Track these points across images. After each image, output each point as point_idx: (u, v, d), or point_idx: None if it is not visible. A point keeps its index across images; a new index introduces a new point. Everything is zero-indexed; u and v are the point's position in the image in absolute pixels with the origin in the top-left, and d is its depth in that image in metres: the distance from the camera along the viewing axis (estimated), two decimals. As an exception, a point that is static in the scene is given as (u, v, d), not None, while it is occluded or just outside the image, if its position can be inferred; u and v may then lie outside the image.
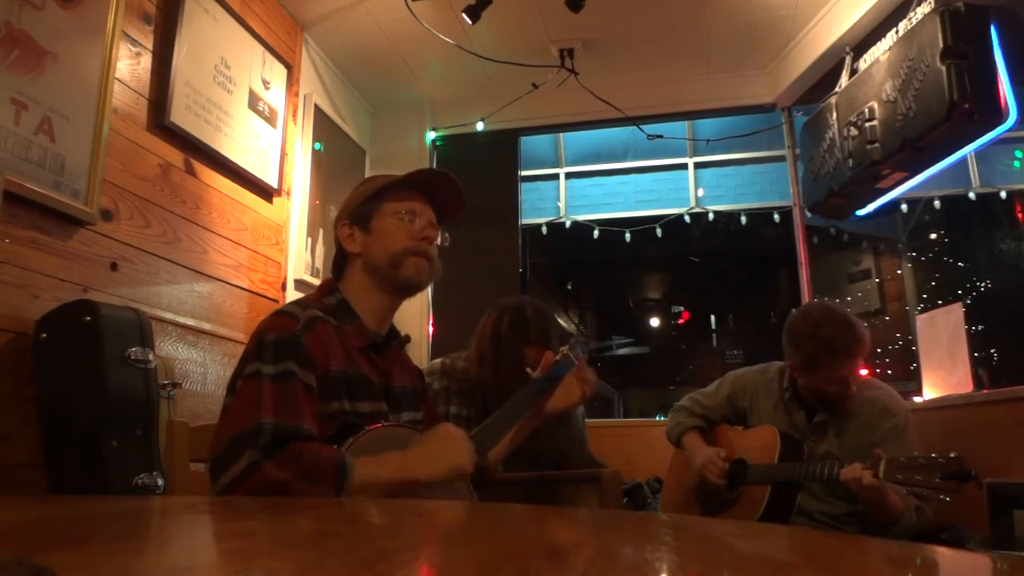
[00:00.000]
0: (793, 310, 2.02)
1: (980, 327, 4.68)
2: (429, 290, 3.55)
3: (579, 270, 9.33)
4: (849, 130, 2.76)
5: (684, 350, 11.80)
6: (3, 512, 0.81)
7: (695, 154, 4.44)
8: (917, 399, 2.68)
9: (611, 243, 4.62)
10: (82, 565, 0.43)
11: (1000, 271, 5.24)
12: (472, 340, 2.11)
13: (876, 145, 2.60)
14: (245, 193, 2.68)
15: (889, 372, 4.75)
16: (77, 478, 1.57)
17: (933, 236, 5.36)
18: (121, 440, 1.59)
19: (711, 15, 3.09)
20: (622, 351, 11.20)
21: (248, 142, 2.65)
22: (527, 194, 4.39)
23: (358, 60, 3.39)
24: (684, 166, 4.48)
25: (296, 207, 3.03)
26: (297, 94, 3.09)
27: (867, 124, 2.64)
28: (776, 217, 4.34)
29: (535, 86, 3.37)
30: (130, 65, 2.12)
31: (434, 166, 3.77)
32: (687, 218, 4.42)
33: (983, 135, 2.39)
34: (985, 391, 2.39)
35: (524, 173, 4.07)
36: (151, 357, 1.71)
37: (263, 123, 2.76)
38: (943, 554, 0.68)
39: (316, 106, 3.18)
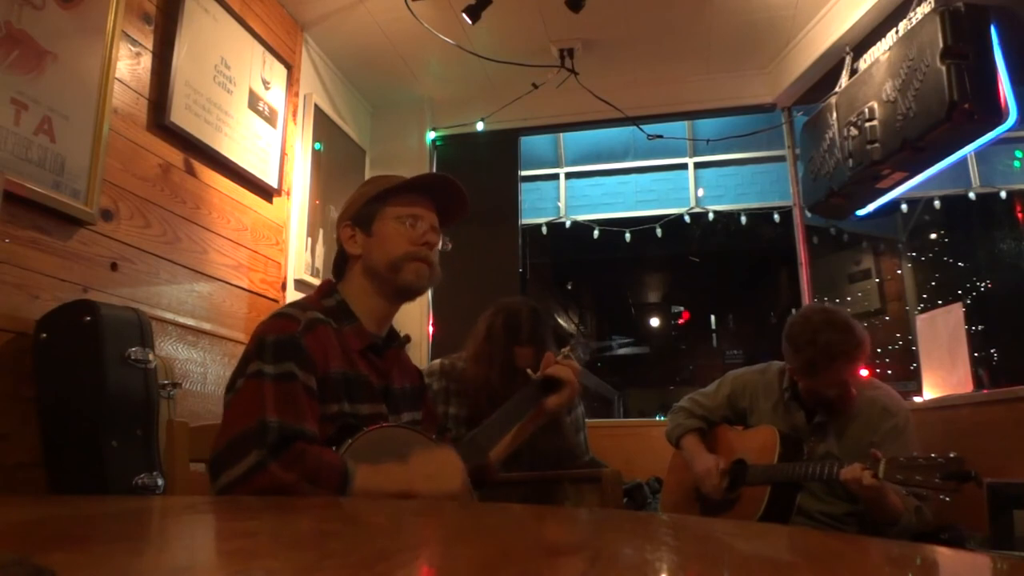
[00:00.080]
0: (793, 311, 2.02)
1: (980, 327, 4.68)
2: (429, 291, 3.55)
3: (579, 270, 9.33)
4: (849, 130, 2.76)
5: (684, 350, 11.80)
6: (3, 512, 0.81)
7: (695, 154, 4.44)
8: (917, 399, 2.68)
9: (611, 243, 4.62)
10: (82, 565, 0.43)
11: (1000, 271, 5.24)
12: (468, 340, 2.12)
13: (876, 145, 2.60)
14: (245, 193, 2.68)
15: (889, 372, 4.75)
16: (77, 478, 1.57)
17: (933, 236, 5.36)
18: (121, 440, 1.59)
19: (711, 15, 3.09)
20: (622, 351, 11.20)
21: (248, 142, 2.65)
22: (527, 194, 4.39)
23: (358, 60, 3.39)
24: (684, 166, 4.48)
25: (296, 207, 3.03)
26: (297, 94, 3.09)
27: (867, 124, 2.64)
28: (776, 217, 4.34)
29: (535, 86, 3.37)
30: (130, 65, 2.12)
31: (434, 166, 3.77)
32: (687, 218, 4.42)
33: (983, 135, 2.39)
34: (985, 391, 2.39)
35: (524, 173, 4.07)
36: (151, 357, 1.71)
37: (263, 123, 2.76)
38: (943, 554, 0.68)
39: (316, 106, 3.18)
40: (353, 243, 1.35)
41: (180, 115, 2.27)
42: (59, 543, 0.55)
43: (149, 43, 2.20)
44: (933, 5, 2.43)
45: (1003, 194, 4.30)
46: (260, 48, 2.75)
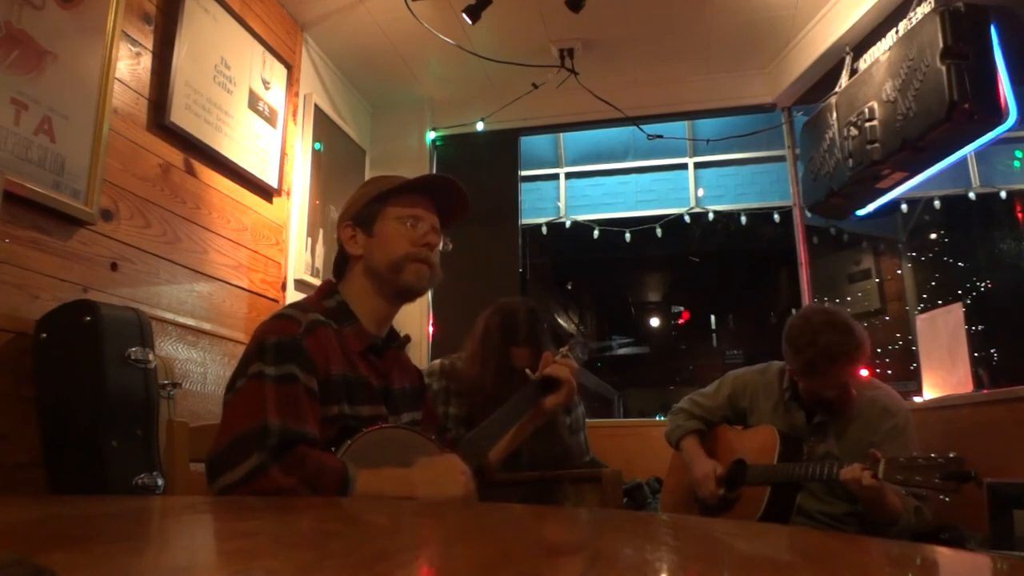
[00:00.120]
0: (793, 312, 2.02)
1: (980, 327, 4.68)
2: (429, 291, 3.55)
3: (579, 270, 9.34)
4: (849, 130, 2.76)
5: (684, 350, 11.80)
6: (3, 512, 0.81)
7: (695, 154, 4.44)
8: (917, 399, 2.68)
9: (611, 243, 4.62)
10: (82, 565, 0.43)
11: (1000, 271, 5.24)
12: (467, 340, 2.12)
13: (876, 145, 2.60)
14: (245, 193, 2.68)
15: (889, 372, 4.76)
16: (77, 478, 1.57)
17: (933, 236, 5.36)
18: (121, 440, 1.59)
19: (711, 15, 3.09)
20: (622, 351, 11.20)
21: (248, 142, 2.65)
22: (527, 194, 4.39)
23: (358, 60, 3.39)
24: (684, 166, 4.48)
25: (296, 207, 3.03)
26: (297, 94, 3.09)
27: (867, 124, 2.64)
28: (776, 217, 4.34)
29: (535, 86, 3.37)
30: (130, 65, 2.12)
31: (434, 166, 3.77)
32: (687, 218, 4.42)
33: (983, 135, 2.39)
34: (985, 391, 2.39)
35: (524, 173, 4.07)
36: (151, 357, 1.71)
37: (263, 123, 2.76)
38: (943, 554, 0.68)
39: (316, 106, 3.18)
40: (354, 243, 1.35)
41: (180, 115, 2.27)
42: (59, 543, 0.55)
43: (149, 43, 2.21)
44: (933, 5, 2.43)
45: (1003, 194, 4.30)
46: (260, 48, 2.75)
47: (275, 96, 2.85)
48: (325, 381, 1.18)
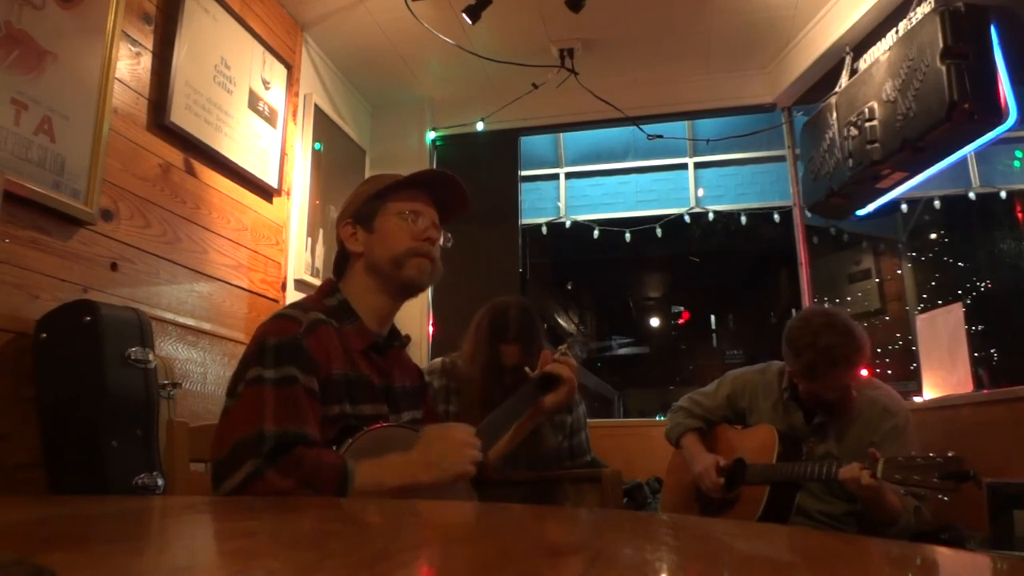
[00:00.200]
0: (793, 312, 2.02)
1: (980, 327, 4.68)
2: (429, 290, 3.55)
3: (579, 270, 9.34)
4: (849, 130, 2.76)
5: (684, 350, 11.80)
6: (3, 512, 0.81)
7: (695, 154, 4.44)
8: (917, 399, 2.68)
9: (611, 243, 4.62)
10: (82, 565, 0.43)
11: (1000, 271, 5.24)
12: (464, 338, 2.13)
13: (876, 145, 2.60)
14: (245, 193, 2.68)
15: (889, 372, 4.76)
16: (77, 478, 1.57)
17: (933, 236, 5.36)
18: (121, 440, 1.59)
19: (711, 15, 3.09)
20: (622, 351, 11.20)
21: (248, 142, 2.65)
22: (527, 194, 4.39)
23: (358, 60, 3.39)
24: (684, 166, 4.48)
25: (296, 207, 3.03)
26: (297, 94, 3.09)
27: (867, 124, 2.64)
28: (776, 217, 4.34)
29: (535, 86, 3.37)
30: (130, 65, 2.12)
31: (434, 166, 3.77)
32: (687, 218, 4.42)
33: (983, 135, 2.39)
34: (985, 391, 2.39)
35: (524, 173, 4.07)
36: (151, 357, 1.71)
37: (263, 123, 2.76)
38: (943, 554, 0.68)
39: (316, 106, 3.18)
40: (354, 241, 1.35)
41: (180, 115, 2.27)
42: (59, 543, 0.55)
43: (149, 43, 2.20)
44: (933, 5, 2.43)
45: (1003, 194, 4.30)
46: (260, 48, 2.75)
47: (275, 96, 2.85)
48: (326, 380, 1.18)
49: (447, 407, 2.10)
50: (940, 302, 4.51)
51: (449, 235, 1.43)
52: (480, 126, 3.67)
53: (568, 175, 4.63)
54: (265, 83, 2.78)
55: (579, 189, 4.67)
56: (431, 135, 3.79)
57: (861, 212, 3.06)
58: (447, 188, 1.39)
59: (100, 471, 1.55)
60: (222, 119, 2.50)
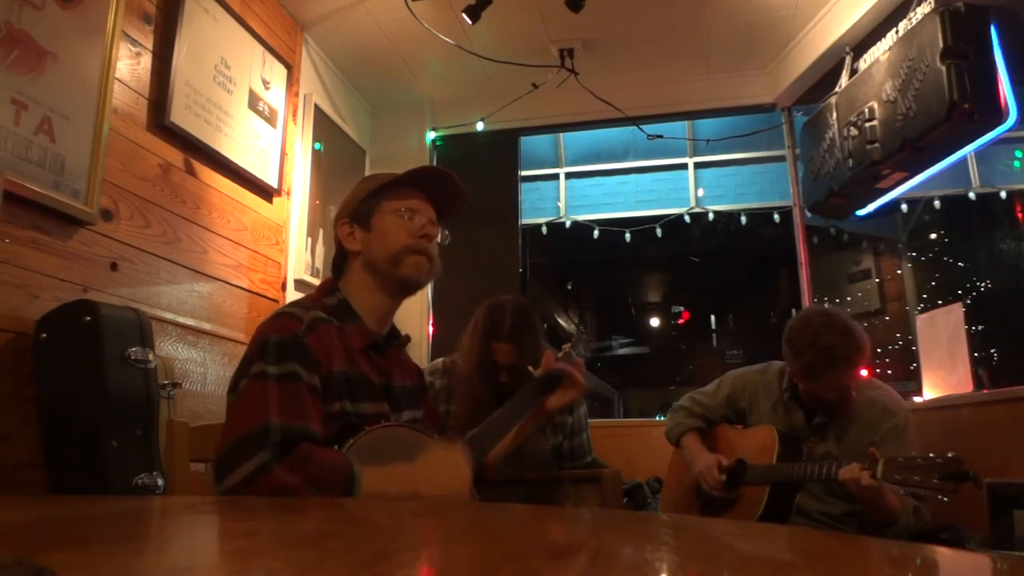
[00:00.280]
0: (793, 312, 2.02)
1: (980, 327, 4.68)
2: (429, 290, 3.55)
3: (579, 270, 9.33)
4: (849, 130, 2.76)
5: (684, 350, 11.80)
6: (3, 512, 0.81)
7: (695, 154, 4.44)
8: (917, 399, 2.68)
9: (611, 243, 4.62)
10: (82, 565, 0.43)
11: (1000, 271, 5.24)
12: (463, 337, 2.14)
13: (876, 145, 2.60)
14: (245, 193, 2.68)
15: (889, 372, 4.76)
16: (77, 478, 1.57)
17: (933, 236, 5.36)
18: (121, 440, 1.59)
19: (711, 15, 3.09)
20: (622, 351, 11.20)
21: (248, 142, 2.65)
22: (527, 194, 4.39)
23: (358, 60, 3.39)
24: (684, 166, 4.48)
25: (296, 207, 3.03)
26: (297, 94, 3.09)
27: (867, 124, 2.64)
28: (776, 217, 4.34)
29: (535, 86, 3.37)
30: (130, 65, 2.12)
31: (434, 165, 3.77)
32: (687, 218, 4.42)
33: (983, 135, 2.39)
34: (985, 391, 2.39)
35: (524, 173, 4.07)
36: (151, 357, 1.71)
37: (263, 123, 2.76)
38: (943, 554, 0.68)
39: (316, 106, 3.18)
40: (352, 240, 1.35)
41: (180, 115, 2.27)
42: (59, 543, 0.55)
43: (149, 43, 2.20)
44: (933, 5, 2.43)
45: (1003, 194, 4.30)
46: (260, 48, 2.75)
47: (275, 96, 2.85)
48: (327, 378, 1.18)
49: (448, 407, 2.10)
50: (940, 302, 4.51)
51: (447, 232, 1.42)
52: (480, 126, 3.67)
53: (568, 175, 4.63)
54: (265, 83, 2.78)
55: (579, 189, 4.67)
56: (431, 135, 3.79)
57: (861, 212, 3.06)
58: (444, 185, 1.39)
59: (100, 471, 1.55)
60: (222, 119, 2.50)
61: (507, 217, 3.74)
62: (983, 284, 5.22)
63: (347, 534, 0.66)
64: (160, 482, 1.62)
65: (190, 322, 2.27)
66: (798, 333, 1.86)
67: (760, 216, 4.42)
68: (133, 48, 2.13)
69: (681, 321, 11.67)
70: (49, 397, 1.61)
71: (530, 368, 1.52)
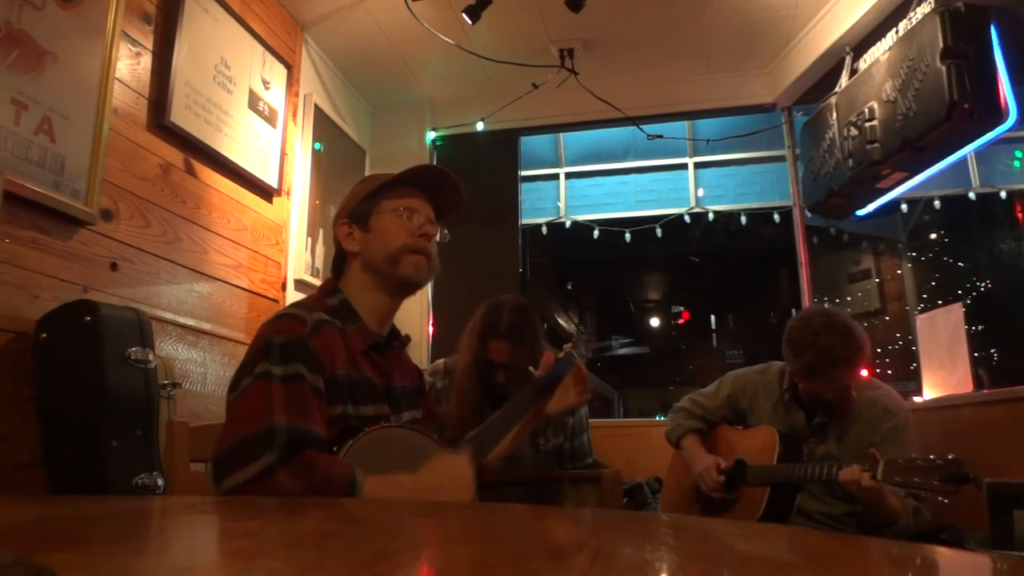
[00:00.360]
0: (793, 312, 2.02)
1: (980, 327, 4.68)
2: (429, 290, 3.55)
3: (579, 270, 9.33)
4: (849, 130, 2.76)
5: (684, 350, 11.80)
6: (3, 512, 0.81)
7: (695, 154, 4.44)
8: (917, 399, 2.68)
9: (611, 243, 4.62)
10: (82, 565, 0.43)
11: (1000, 271, 5.24)
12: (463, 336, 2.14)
13: (876, 145, 2.60)
14: (245, 193, 2.68)
15: (889, 372, 4.76)
16: (77, 478, 1.57)
17: (933, 236, 5.36)
18: (121, 440, 1.59)
19: (711, 15, 3.09)
20: (622, 351, 11.20)
21: (248, 142, 2.65)
22: (527, 194, 4.39)
23: (358, 60, 3.39)
24: (684, 166, 4.48)
25: (296, 207, 3.03)
26: (297, 94, 3.09)
27: (867, 124, 2.64)
28: (776, 217, 4.34)
29: (535, 86, 3.37)
30: (130, 65, 2.12)
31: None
32: (687, 218, 4.42)
33: (983, 135, 2.39)
34: (985, 391, 2.39)
35: (524, 173, 4.07)
36: (151, 357, 1.71)
37: (263, 123, 2.76)
38: (943, 554, 0.68)
39: (316, 106, 3.18)
40: (351, 240, 1.35)
41: (180, 115, 2.27)
42: (59, 543, 0.55)
43: (149, 43, 2.20)
44: (933, 5, 2.43)
45: (1003, 194, 4.30)
46: (260, 48, 2.75)
47: (275, 96, 2.85)
48: (330, 381, 1.18)
49: (448, 407, 2.10)
50: (940, 302, 4.51)
51: (446, 231, 1.42)
52: (480, 126, 3.67)
53: (568, 175, 4.63)
54: (265, 83, 2.78)
55: (579, 189, 4.67)
56: (431, 135, 3.79)
57: (861, 212, 3.06)
58: (442, 184, 1.39)
59: (100, 471, 1.55)
60: (222, 119, 2.50)
61: (507, 217, 3.74)
62: (983, 284, 5.22)
63: (347, 534, 0.66)
64: (160, 482, 1.61)
65: (190, 322, 2.27)
66: (798, 333, 1.86)
67: (760, 216, 4.42)
68: (133, 48, 2.13)
69: (681, 321, 11.66)
70: (49, 397, 1.61)
71: (531, 369, 1.51)
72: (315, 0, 2.97)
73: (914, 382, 3.12)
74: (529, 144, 4.29)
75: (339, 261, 1.38)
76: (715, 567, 0.53)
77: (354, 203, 1.36)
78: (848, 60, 2.91)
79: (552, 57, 3.29)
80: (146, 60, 2.19)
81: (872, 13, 2.79)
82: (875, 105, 2.62)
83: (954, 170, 3.57)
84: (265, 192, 2.80)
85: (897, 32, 2.59)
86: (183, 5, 2.28)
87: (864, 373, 1.95)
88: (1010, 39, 2.35)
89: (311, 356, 1.16)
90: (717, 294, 10.68)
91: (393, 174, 1.36)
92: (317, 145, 3.18)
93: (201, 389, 2.22)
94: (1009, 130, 2.34)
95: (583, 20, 2.89)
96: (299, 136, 3.09)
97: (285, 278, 2.93)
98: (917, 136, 2.40)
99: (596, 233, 4.56)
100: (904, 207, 4.78)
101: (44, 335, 1.64)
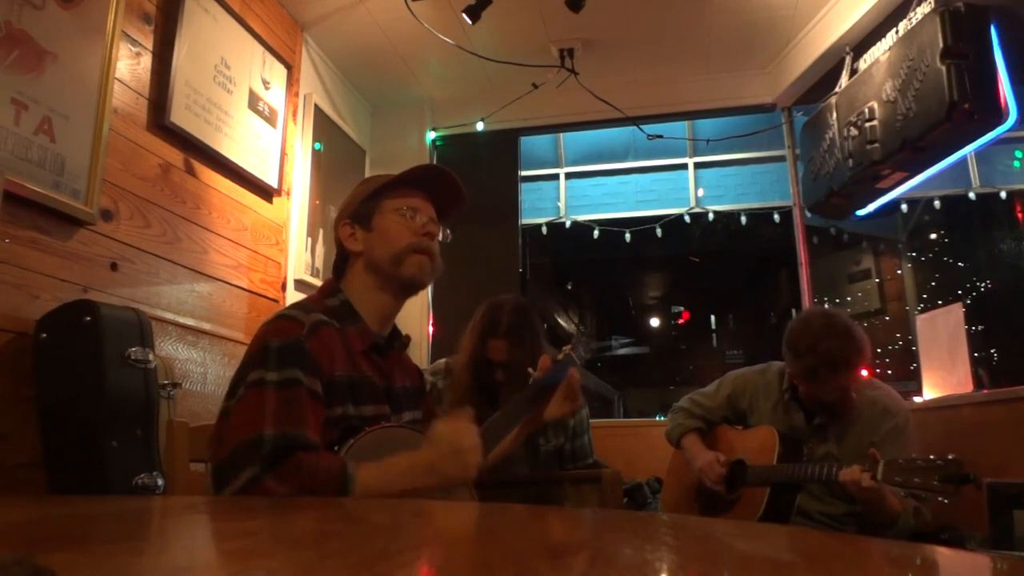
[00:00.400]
0: (793, 313, 2.02)
1: (980, 327, 4.68)
2: (429, 290, 3.55)
3: (579, 270, 9.33)
4: (849, 130, 2.76)
5: (684, 350, 11.80)
6: (3, 512, 0.81)
7: (695, 154, 4.44)
8: (917, 399, 2.68)
9: (611, 243, 4.62)
10: (82, 565, 0.43)
11: (1000, 271, 5.24)
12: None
13: (876, 145, 2.60)
14: (245, 193, 2.68)
15: (889, 372, 4.76)
16: (77, 478, 1.57)
17: (933, 236, 5.36)
18: (121, 440, 1.59)
19: (711, 15, 3.09)
20: (622, 351, 11.20)
21: (248, 142, 2.65)
22: (527, 194, 4.39)
23: (358, 60, 3.39)
24: (684, 166, 4.48)
25: (296, 207, 3.03)
26: (297, 94, 3.09)
27: (867, 124, 2.64)
28: (776, 217, 4.34)
29: (535, 86, 3.37)
30: (130, 65, 2.12)
31: (434, 166, 3.77)
32: (687, 218, 4.42)
33: (983, 135, 2.39)
34: (985, 391, 2.39)
35: (524, 173, 4.07)
36: (151, 357, 1.71)
37: (263, 123, 2.76)
38: (943, 554, 0.68)
39: (316, 106, 3.18)
40: (353, 240, 1.34)
41: (180, 115, 2.27)
42: (59, 543, 0.55)
43: (149, 43, 2.20)
44: (933, 5, 2.43)
45: (1003, 194, 4.30)
46: (260, 48, 2.75)
47: (275, 96, 2.85)
48: (329, 382, 1.18)
49: (444, 405, 2.10)
50: (940, 302, 4.51)
51: (448, 231, 1.42)
52: (480, 126, 3.67)
53: (568, 175, 4.63)
54: (265, 83, 2.78)
55: (579, 189, 4.67)
56: (431, 135, 3.79)
57: (861, 212, 3.06)
58: (443, 184, 1.39)
59: (100, 471, 1.55)
60: (222, 119, 2.50)
61: (507, 217, 3.74)
62: (983, 284, 5.22)
63: (347, 534, 0.66)
64: (160, 482, 1.62)
65: (190, 322, 2.27)
66: (798, 335, 1.86)
67: (760, 216, 4.42)
68: (133, 48, 2.13)
69: (681, 321, 11.67)
70: (49, 397, 1.61)
71: (530, 371, 1.51)
72: (315, 0, 2.97)
73: (914, 382, 3.12)
74: (529, 144, 4.29)
75: (341, 262, 1.38)
76: (715, 567, 0.53)
77: (356, 203, 1.36)
78: (848, 60, 2.91)
79: (552, 57, 3.29)
80: (146, 60, 2.19)
81: (872, 13, 2.79)
82: (875, 105, 2.62)
83: (954, 170, 3.57)
84: (265, 192, 2.80)
85: (897, 32, 2.59)
86: (183, 5, 2.28)
87: (864, 373, 1.95)
88: (1010, 39, 2.35)
89: (307, 359, 1.15)
90: (717, 294, 10.68)
91: (394, 174, 1.36)
92: (317, 145, 3.18)
93: (201, 389, 2.22)
94: (1009, 130, 2.34)
95: (583, 20, 2.89)
96: (299, 136, 3.09)
97: (285, 278, 2.93)
98: (917, 136, 2.40)
99: (596, 233, 4.56)
100: (904, 207, 4.78)
101: (44, 335, 1.64)
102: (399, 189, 1.35)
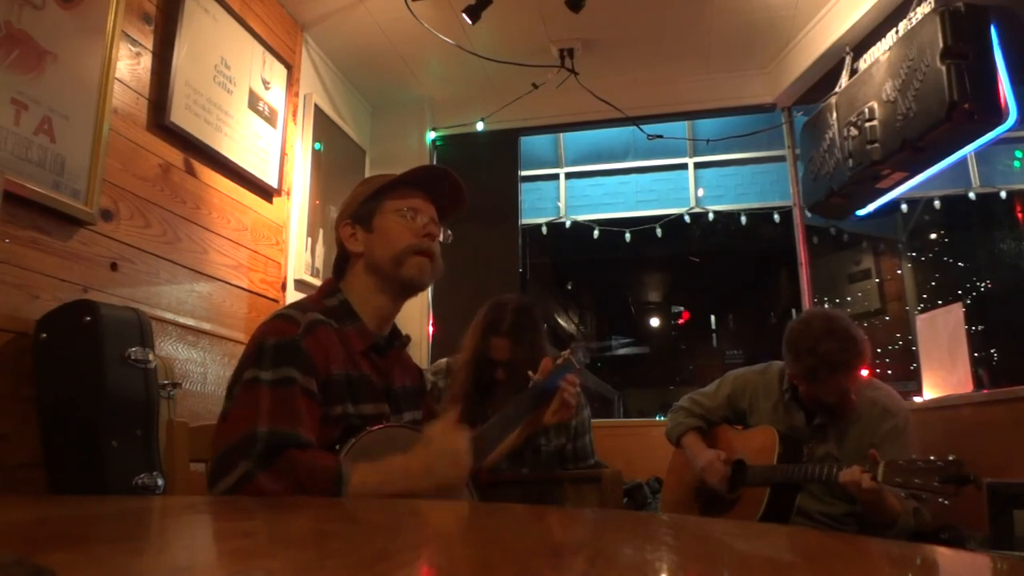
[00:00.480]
0: (793, 312, 2.02)
1: (980, 327, 4.68)
2: (429, 290, 3.55)
3: (579, 270, 9.33)
4: (849, 130, 2.76)
5: (684, 350, 11.80)
6: (3, 512, 0.81)
7: (695, 154, 4.44)
8: (917, 399, 2.68)
9: (611, 243, 4.62)
10: (82, 565, 0.43)
11: (1000, 271, 5.24)
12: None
13: (876, 145, 2.60)
14: (245, 193, 2.68)
15: (889, 372, 4.75)
16: (77, 478, 1.57)
17: (933, 236, 5.36)
18: (121, 440, 1.59)
19: (711, 15, 3.09)
20: (622, 351, 11.20)
21: (248, 142, 2.65)
22: (527, 194, 4.39)
23: (358, 60, 3.39)
24: (684, 166, 4.48)
25: (296, 207, 3.03)
26: (297, 94, 3.09)
27: (867, 124, 2.64)
28: (776, 217, 4.34)
29: (535, 86, 3.37)
30: (130, 65, 2.12)
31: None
32: (687, 218, 4.42)
33: (983, 135, 2.39)
34: (985, 391, 2.39)
35: (524, 173, 4.07)
36: (151, 357, 1.71)
37: (263, 123, 2.76)
38: (943, 554, 0.68)
39: (316, 106, 3.18)
40: (354, 241, 1.34)
41: (180, 115, 2.27)
42: (59, 543, 0.55)
43: (149, 43, 2.20)
44: (933, 5, 2.43)
45: (1003, 194, 4.30)
46: (260, 48, 2.75)
47: (275, 96, 2.85)
48: (326, 381, 1.18)
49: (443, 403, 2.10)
50: (940, 302, 4.50)
51: (449, 231, 1.42)
52: (480, 126, 3.67)
53: (568, 175, 4.63)
54: (265, 83, 2.78)
55: (579, 189, 4.67)
56: (431, 135, 3.79)
57: (861, 212, 3.06)
58: (444, 184, 1.39)
59: (100, 471, 1.55)
60: (222, 119, 2.50)
61: (507, 217, 3.74)
62: (983, 284, 5.22)
63: (346, 534, 0.66)
64: (160, 482, 1.62)
65: (190, 322, 2.27)
66: (799, 337, 1.86)
67: (760, 216, 4.42)
68: (133, 48, 2.13)
69: (681, 321, 11.66)
70: (49, 397, 1.61)
71: (530, 373, 1.52)
72: (315, 0, 2.97)
73: (914, 382, 3.12)
74: (529, 144, 4.29)
75: (341, 262, 1.38)
76: (715, 567, 0.53)
77: (356, 204, 1.36)
78: (848, 60, 2.91)
79: (552, 57, 3.29)
80: (146, 60, 2.19)
81: (872, 13, 2.80)
82: (875, 105, 2.62)
83: (954, 170, 3.57)
84: (265, 192, 2.80)
85: (897, 32, 2.59)
86: (183, 5, 2.28)
87: (864, 373, 1.95)
88: (1010, 39, 2.35)
89: (303, 358, 1.15)
90: (717, 294, 10.68)
91: (395, 174, 1.36)
92: (317, 145, 3.18)
93: (201, 389, 2.22)
94: (1009, 130, 2.34)
95: (583, 20, 2.89)
96: (299, 136, 3.09)
97: (285, 278, 2.93)
98: (917, 136, 2.40)
99: (596, 233, 4.56)
100: (904, 207, 4.78)
101: (44, 335, 1.64)
102: (400, 189, 1.35)
